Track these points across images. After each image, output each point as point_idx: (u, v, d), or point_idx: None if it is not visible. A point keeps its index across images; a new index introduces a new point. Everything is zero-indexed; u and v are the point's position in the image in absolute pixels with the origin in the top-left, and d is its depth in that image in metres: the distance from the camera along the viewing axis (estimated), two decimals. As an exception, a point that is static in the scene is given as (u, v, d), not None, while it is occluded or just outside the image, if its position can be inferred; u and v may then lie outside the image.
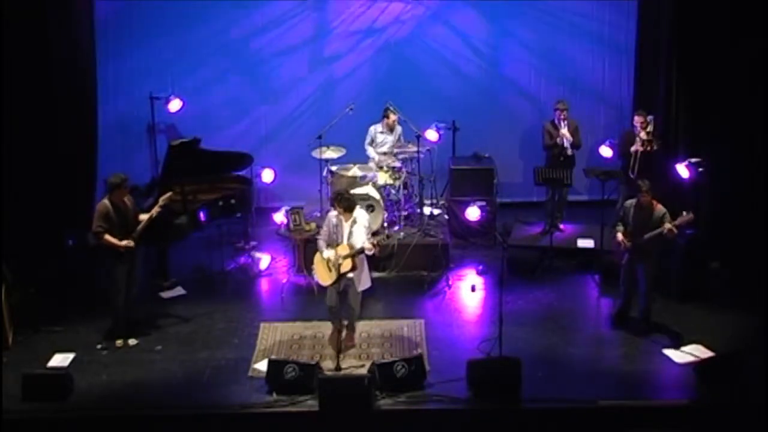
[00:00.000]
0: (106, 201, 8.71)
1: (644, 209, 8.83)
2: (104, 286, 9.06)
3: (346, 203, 8.69)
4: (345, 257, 8.52)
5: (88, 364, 8.56)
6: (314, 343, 8.94)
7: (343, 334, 8.83)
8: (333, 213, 8.81)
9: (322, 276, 8.78)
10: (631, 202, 9.00)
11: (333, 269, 8.60)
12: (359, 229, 8.65)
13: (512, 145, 12.47)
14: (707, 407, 7.86)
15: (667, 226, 8.61)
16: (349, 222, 8.69)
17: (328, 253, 8.64)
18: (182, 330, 9.25)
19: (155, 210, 8.89)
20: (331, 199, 8.82)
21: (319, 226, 9.66)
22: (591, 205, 11.62)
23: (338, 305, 8.72)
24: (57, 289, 9.77)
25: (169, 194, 9.15)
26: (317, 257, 8.84)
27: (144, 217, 8.86)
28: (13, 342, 8.89)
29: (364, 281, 8.89)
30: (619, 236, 8.96)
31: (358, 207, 8.82)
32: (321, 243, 8.78)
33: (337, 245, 8.65)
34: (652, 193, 8.77)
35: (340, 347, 8.59)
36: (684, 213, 8.63)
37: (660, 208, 8.81)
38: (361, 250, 8.57)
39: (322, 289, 9.10)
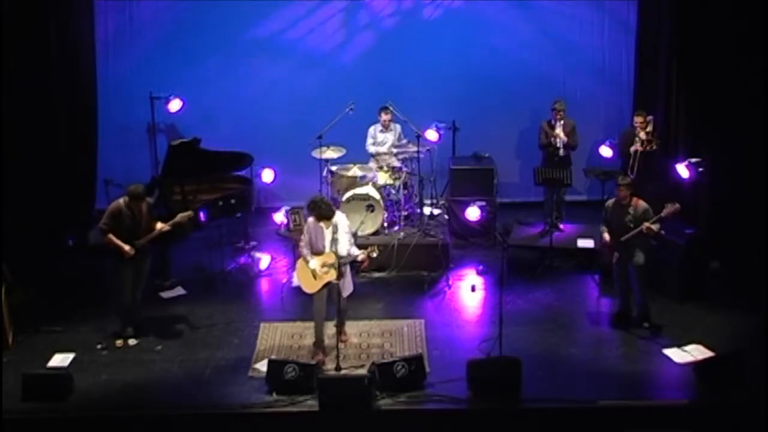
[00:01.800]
0: (121, 202, 8.70)
1: (623, 206, 8.82)
2: (108, 286, 9.06)
3: (319, 211, 8.33)
4: (332, 266, 8.31)
5: (88, 364, 8.56)
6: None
7: (341, 331, 8.74)
8: (312, 219, 8.49)
9: (307, 284, 8.53)
10: (611, 201, 9.01)
11: (318, 278, 8.43)
12: (342, 236, 8.41)
13: (512, 145, 12.48)
14: (707, 407, 7.86)
15: (646, 224, 8.61)
16: (330, 229, 8.42)
17: (314, 264, 8.41)
18: (182, 330, 9.25)
19: (168, 225, 8.84)
20: (308, 207, 8.51)
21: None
22: (591, 205, 11.62)
23: (325, 312, 8.62)
24: (57, 289, 9.77)
25: (188, 213, 9.11)
26: (300, 264, 8.58)
27: (159, 225, 8.81)
28: (13, 342, 8.89)
29: (348, 286, 8.67)
30: (606, 236, 8.96)
31: (338, 212, 8.53)
32: (305, 251, 8.49)
33: (321, 253, 8.42)
34: (633, 188, 8.77)
35: (323, 352, 8.59)
36: (668, 204, 8.63)
37: (641, 205, 8.80)
38: (353, 260, 8.45)
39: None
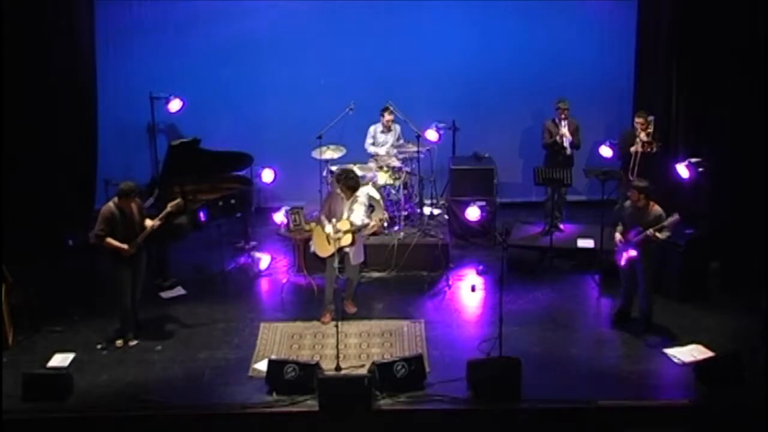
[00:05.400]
0: (111, 205, 8.66)
1: (639, 209, 8.82)
2: (108, 288, 9.05)
3: (348, 182, 8.94)
4: (346, 232, 8.83)
5: (88, 364, 8.56)
6: (314, 343, 8.94)
7: (345, 304, 9.34)
8: (336, 188, 9.05)
9: (321, 248, 9.15)
10: (629, 202, 9.00)
11: (332, 243, 8.90)
12: (359, 207, 8.96)
13: (512, 145, 12.48)
14: (707, 407, 7.86)
15: (650, 231, 8.60)
16: (351, 199, 8.99)
17: (329, 229, 8.95)
18: (182, 330, 9.25)
19: (159, 219, 8.80)
20: (337, 176, 9.08)
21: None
22: (591, 205, 11.62)
23: (336, 276, 9.14)
24: (57, 289, 9.77)
25: (177, 201, 9.07)
26: (317, 229, 9.20)
27: (150, 222, 8.81)
28: (13, 342, 8.89)
29: (358, 255, 9.17)
30: (617, 236, 8.96)
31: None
32: (322, 217, 9.10)
33: (337, 220, 8.90)
34: (648, 193, 8.75)
35: (330, 314, 9.14)
36: (668, 216, 8.62)
37: (656, 209, 8.78)
38: (365, 226, 8.89)
39: (321, 289, 9.30)
